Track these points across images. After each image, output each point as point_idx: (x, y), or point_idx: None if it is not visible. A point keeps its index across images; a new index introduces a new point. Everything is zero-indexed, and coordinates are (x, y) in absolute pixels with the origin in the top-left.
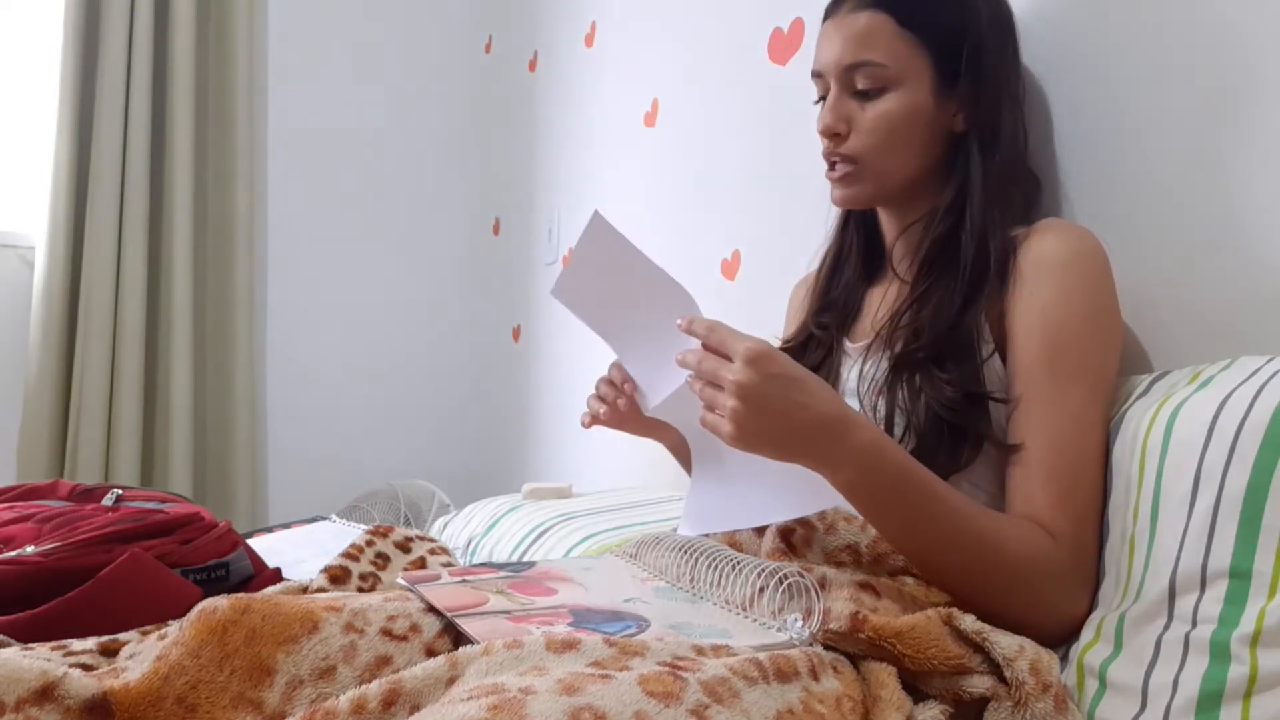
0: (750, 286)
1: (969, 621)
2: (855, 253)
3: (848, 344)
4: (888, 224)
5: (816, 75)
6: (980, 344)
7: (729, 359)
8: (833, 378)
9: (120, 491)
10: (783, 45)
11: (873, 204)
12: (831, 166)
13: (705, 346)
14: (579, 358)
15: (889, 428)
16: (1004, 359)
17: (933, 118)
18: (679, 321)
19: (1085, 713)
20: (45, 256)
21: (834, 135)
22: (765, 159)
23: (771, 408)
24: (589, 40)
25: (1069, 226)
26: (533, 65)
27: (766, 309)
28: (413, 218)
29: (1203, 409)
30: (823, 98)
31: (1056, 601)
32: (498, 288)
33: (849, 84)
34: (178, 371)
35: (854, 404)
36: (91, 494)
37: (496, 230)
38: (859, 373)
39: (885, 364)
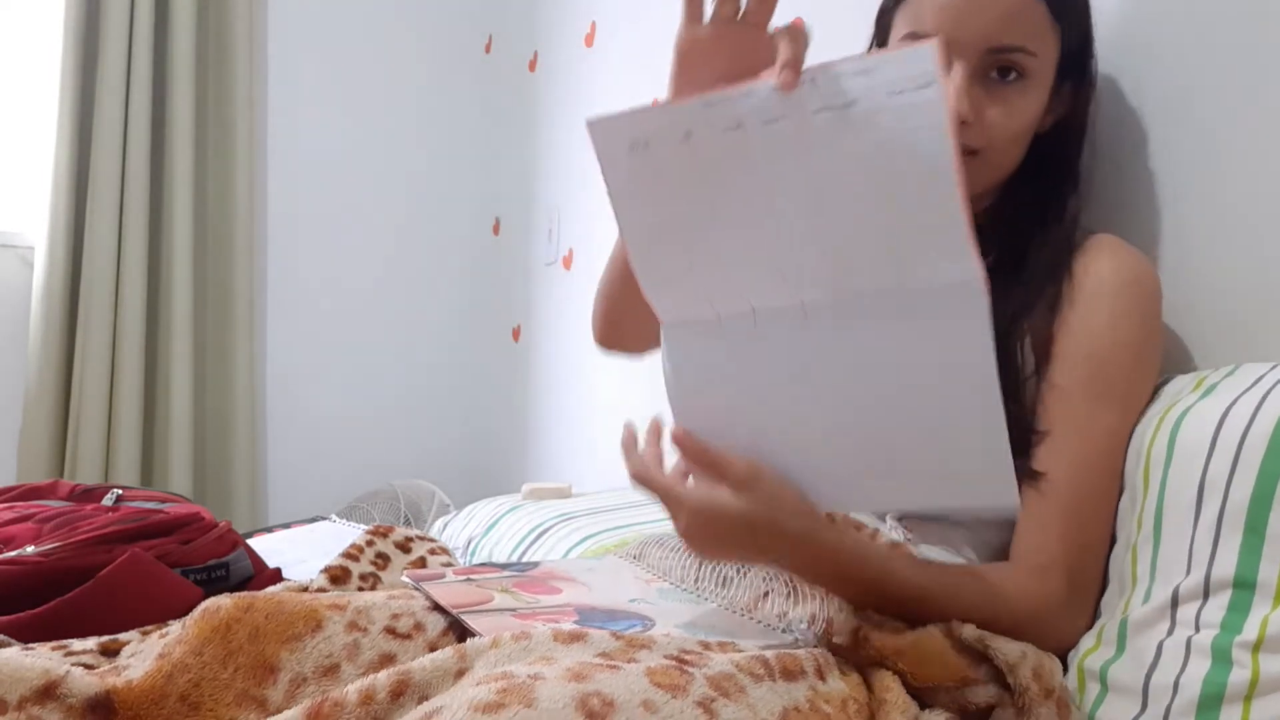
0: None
1: (969, 630)
2: None
3: None
4: None
5: (915, 35)
6: (1022, 362)
7: (701, 475)
8: None
9: (120, 491)
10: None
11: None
12: None
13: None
14: (579, 358)
15: None
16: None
17: (1038, 118)
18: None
19: (1087, 715)
20: (45, 256)
21: (962, 123)
22: None
23: (718, 544)
24: (589, 40)
25: (1127, 249)
26: (533, 65)
27: None
28: (413, 217)
29: (1206, 417)
30: None
31: (1049, 635)
32: (498, 288)
33: (986, 66)
34: (178, 371)
35: None
36: (91, 494)
37: (496, 230)
38: None
39: None
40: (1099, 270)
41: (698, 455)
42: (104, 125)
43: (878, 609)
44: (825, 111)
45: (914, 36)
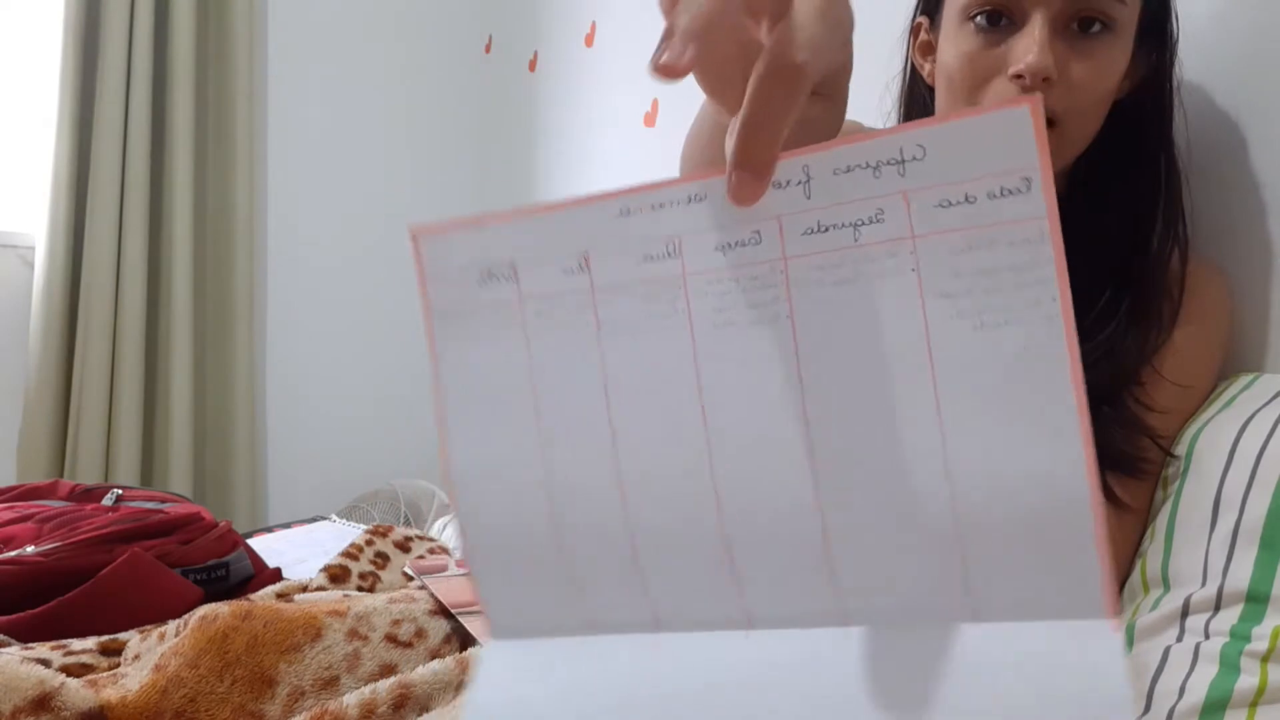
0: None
1: None
2: None
3: None
4: None
5: None
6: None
7: None
8: None
9: (120, 491)
10: None
11: None
12: None
13: None
14: None
15: None
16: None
17: (1120, 80)
18: None
19: None
20: (45, 256)
21: (1045, 81)
22: None
23: None
24: (589, 40)
25: (1216, 272)
26: (533, 65)
27: None
28: (412, 218)
29: (1224, 432)
30: (991, 16)
31: None
32: None
33: (1066, 20)
34: (178, 371)
35: None
36: (91, 494)
37: None
38: None
39: None
40: (1204, 303)
41: None
42: (104, 125)
43: None
44: (831, 233)
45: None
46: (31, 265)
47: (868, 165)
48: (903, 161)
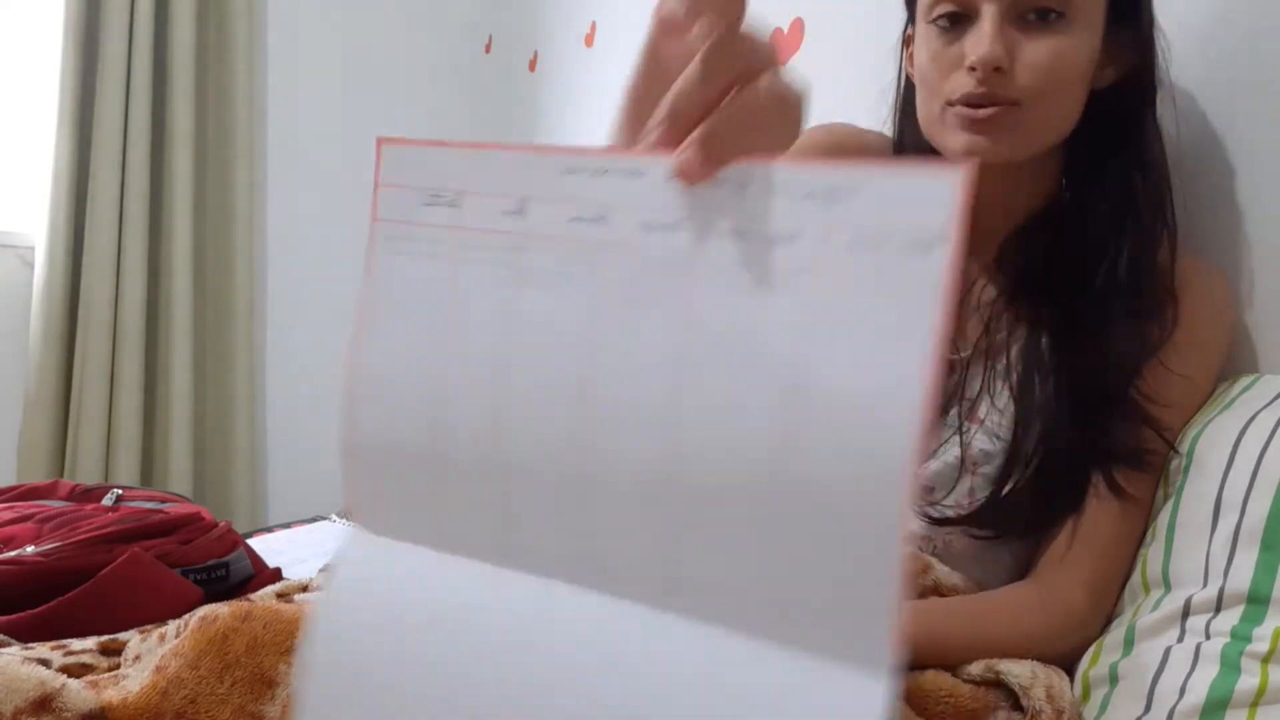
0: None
1: (975, 667)
2: None
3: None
4: (1000, 200)
5: None
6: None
7: None
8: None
9: (120, 491)
10: (783, 45)
11: (1005, 163)
12: (974, 106)
13: None
14: None
15: (1009, 465)
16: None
17: (1093, 67)
18: None
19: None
20: (45, 256)
21: (996, 69)
22: None
23: None
24: (589, 40)
25: (1215, 273)
26: (533, 65)
27: None
28: None
29: (1225, 433)
30: (951, 17)
31: (1072, 650)
32: None
33: (1017, 8)
34: (178, 371)
35: (953, 412)
36: (91, 494)
37: None
38: (962, 390)
39: (1004, 377)
40: (1200, 306)
41: None
42: (104, 125)
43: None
44: (734, 245)
45: None
46: (31, 265)
47: (803, 190)
48: (832, 196)
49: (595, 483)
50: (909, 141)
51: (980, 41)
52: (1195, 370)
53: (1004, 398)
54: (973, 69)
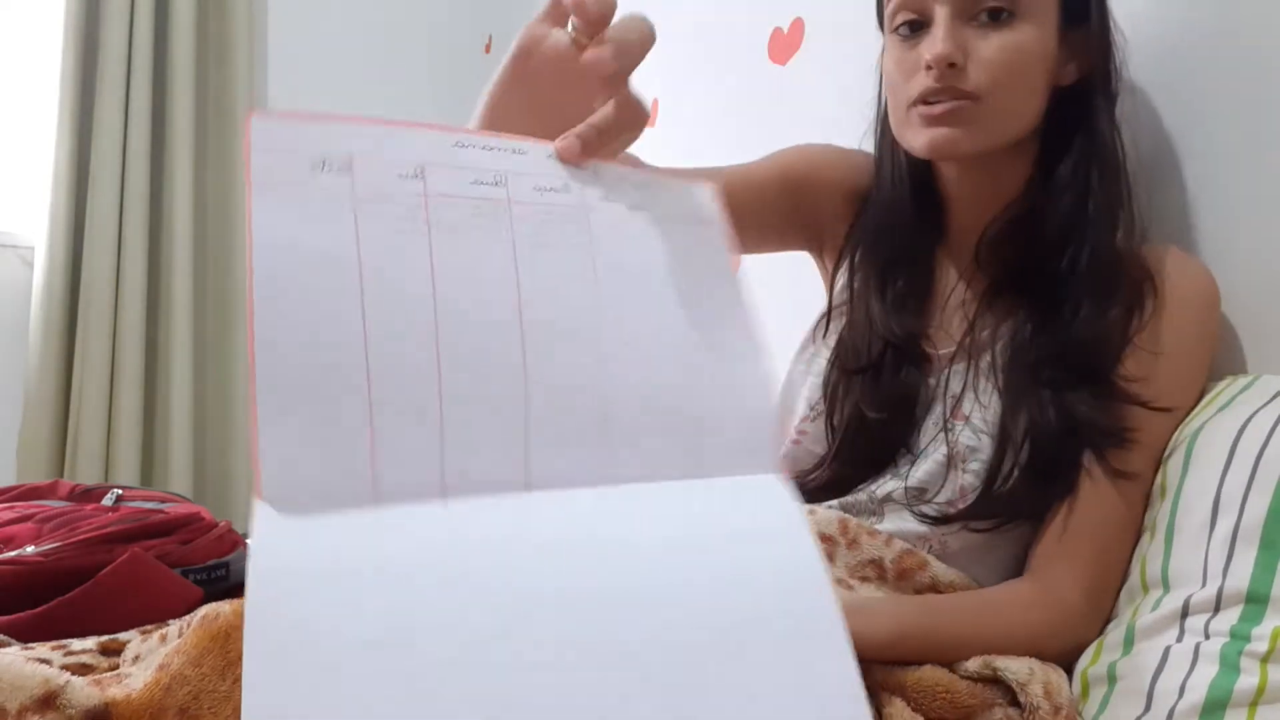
0: (751, 284)
1: (972, 663)
2: (913, 234)
3: (924, 349)
4: (971, 198)
5: (906, 3)
6: (1115, 361)
7: None
8: (908, 387)
9: (120, 491)
10: (783, 45)
11: (970, 157)
12: (931, 104)
13: None
14: None
15: (1000, 454)
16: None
17: (1051, 64)
18: None
19: (1091, 719)
20: (45, 256)
21: (950, 65)
22: None
23: None
24: None
25: (1195, 262)
26: None
27: (768, 311)
28: None
29: (1223, 432)
30: (910, 25)
31: (1070, 647)
32: None
33: (968, 8)
34: (178, 371)
35: (938, 410)
36: (91, 494)
37: None
38: (945, 388)
39: (988, 375)
40: (1183, 287)
41: None
42: (104, 125)
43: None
44: (610, 205)
45: (902, 3)
46: (31, 265)
47: (622, 179)
48: (641, 186)
49: (530, 401)
50: (885, 153)
51: (934, 42)
52: (1173, 348)
53: (989, 393)
54: (929, 67)
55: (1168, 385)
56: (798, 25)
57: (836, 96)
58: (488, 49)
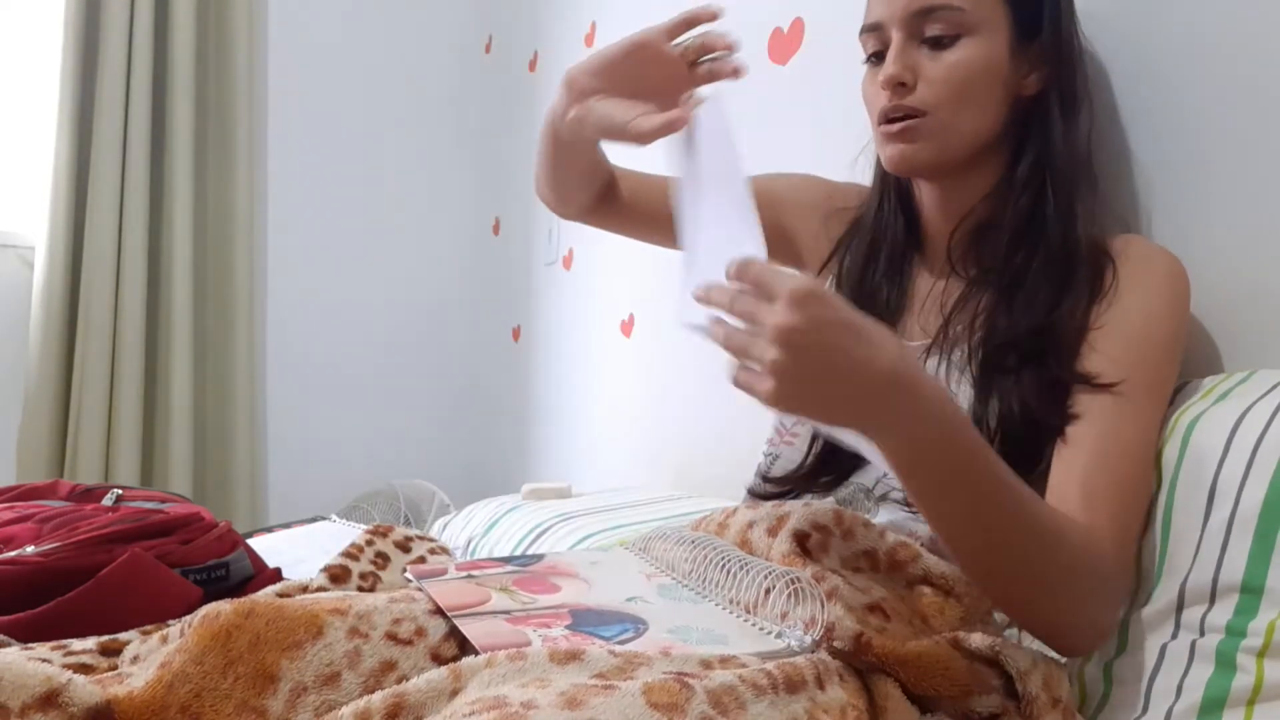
0: None
1: (978, 639)
2: (891, 240)
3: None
4: (939, 205)
5: (870, 30)
6: (1077, 342)
7: (770, 300)
8: None
9: (120, 491)
10: (783, 45)
11: (931, 168)
12: (891, 122)
13: (742, 280)
14: (579, 358)
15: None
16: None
17: (1006, 76)
18: (728, 266)
19: (1089, 719)
20: (45, 256)
21: (899, 85)
22: (766, 159)
23: (823, 360)
24: (589, 40)
25: (1159, 247)
26: (533, 65)
27: None
28: (413, 218)
29: (1220, 422)
30: (876, 54)
31: (1100, 605)
32: (498, 288)
33: (917, 31)
34: (178, 371)
35: None
36: (91, 494)
37: (496, 230)
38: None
39: (961, 368)
40: (1144, 261)
41: (743, 265)
42: (104, 125)
43: (983, 493)
44: (695, 162)
45: (867, 29)
46: (31, 265)
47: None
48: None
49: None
50: (876, 171)
51: (886, 65)
52: (1139, 324)
53: (962, 386)
54: (884, 88)
55: (1138, 358)
56: (798, 25)
57: (836, 97)
58: (488, 49)
